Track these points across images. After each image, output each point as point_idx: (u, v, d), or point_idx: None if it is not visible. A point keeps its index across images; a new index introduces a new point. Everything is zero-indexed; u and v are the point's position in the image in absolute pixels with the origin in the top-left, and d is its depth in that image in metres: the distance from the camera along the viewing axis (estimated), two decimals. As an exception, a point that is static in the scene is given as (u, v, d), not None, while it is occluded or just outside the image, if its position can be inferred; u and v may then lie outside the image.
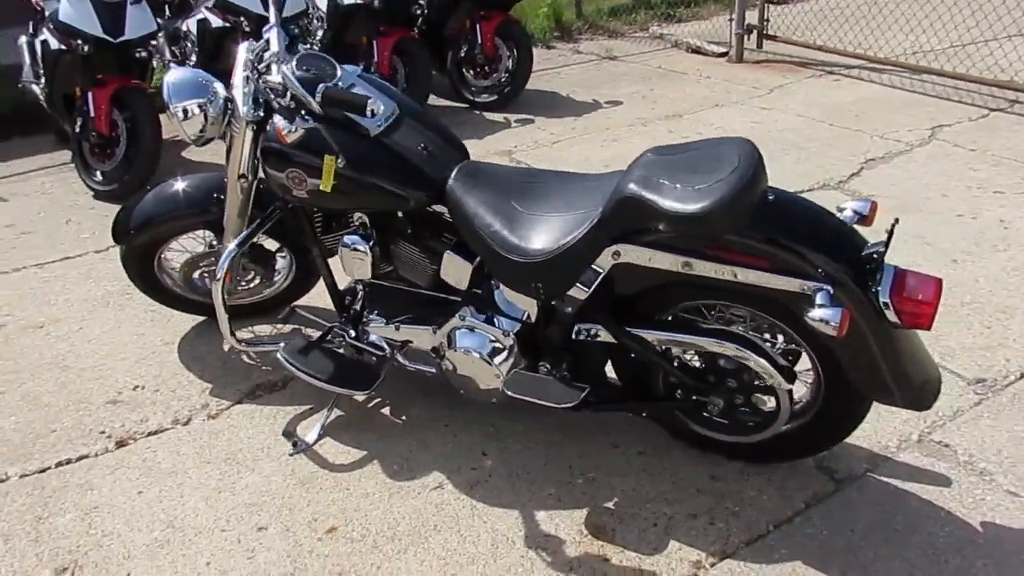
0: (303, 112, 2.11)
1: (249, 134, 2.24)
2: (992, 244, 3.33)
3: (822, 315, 1.73)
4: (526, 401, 2.15)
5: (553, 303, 2.09)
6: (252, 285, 2.89)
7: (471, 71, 5.37)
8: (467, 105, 5.40)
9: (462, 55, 5.32)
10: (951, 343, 2.72)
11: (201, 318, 2.98)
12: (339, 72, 2.17)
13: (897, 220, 1.82)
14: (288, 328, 2.86)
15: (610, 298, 2.07)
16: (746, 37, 6.24)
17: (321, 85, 2.04)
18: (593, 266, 1.97)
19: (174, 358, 2.83)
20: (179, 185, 2.65)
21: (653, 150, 1.98)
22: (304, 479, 2.29)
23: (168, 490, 2.27)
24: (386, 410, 2.55)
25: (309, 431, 2.43)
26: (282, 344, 2.46)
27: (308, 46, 2.26)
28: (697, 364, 2.16)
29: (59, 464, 2.37)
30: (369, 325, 2.42)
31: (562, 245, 1.97)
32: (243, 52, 2.26)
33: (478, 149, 4.66)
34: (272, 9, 2.27)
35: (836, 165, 4.19)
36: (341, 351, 2.47)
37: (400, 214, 2.26)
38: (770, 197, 1.85)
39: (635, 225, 1.88)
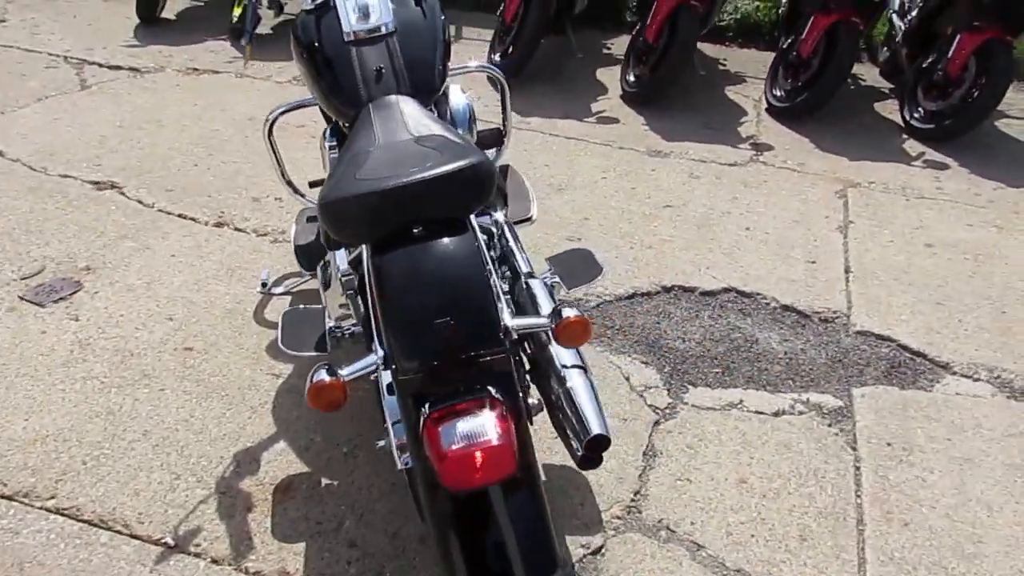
0: None
1: None
2: None
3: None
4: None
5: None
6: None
7: (924, 88, 4.31)
8: (901, 124, 4.41)
9: (924, 65, 4.29)
10: None
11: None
12: None
13: None
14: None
15: None
16: None
17: None
18: None
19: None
20: None
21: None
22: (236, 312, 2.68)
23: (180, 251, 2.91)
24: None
25: (280, 285, 2.77)
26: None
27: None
28: None
29: (171, 213, 3.20)
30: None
31: (325, 198, 1.81)
32: None
33: (823, 163, 3.89)
34: None
35: None
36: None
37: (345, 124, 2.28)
38: (416, 230, 1.47)
39: None
